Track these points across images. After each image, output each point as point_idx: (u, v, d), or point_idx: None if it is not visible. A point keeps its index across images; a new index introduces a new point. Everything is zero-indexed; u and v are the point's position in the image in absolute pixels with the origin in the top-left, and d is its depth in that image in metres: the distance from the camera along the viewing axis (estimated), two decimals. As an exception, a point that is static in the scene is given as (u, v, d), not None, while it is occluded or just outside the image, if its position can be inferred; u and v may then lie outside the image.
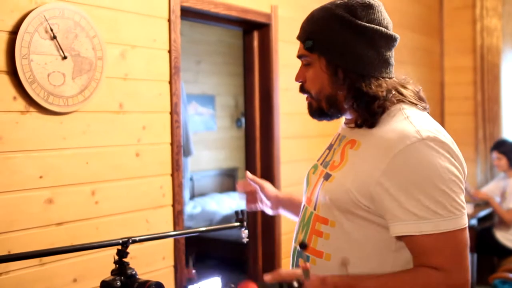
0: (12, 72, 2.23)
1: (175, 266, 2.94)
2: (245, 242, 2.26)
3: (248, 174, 1.99)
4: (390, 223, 1.36)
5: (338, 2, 1.49)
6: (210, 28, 7.29)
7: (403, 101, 1.47)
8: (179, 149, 2.95)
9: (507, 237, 5.11)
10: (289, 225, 3.74)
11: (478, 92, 5.95)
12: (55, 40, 2.34)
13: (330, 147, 1.64)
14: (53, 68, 2.35)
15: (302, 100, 4.02)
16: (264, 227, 3.75)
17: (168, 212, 2.90)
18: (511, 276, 3.96)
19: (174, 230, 2.91)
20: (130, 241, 1.99)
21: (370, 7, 1.47)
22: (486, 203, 5.53)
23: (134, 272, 1.93)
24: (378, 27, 1.46)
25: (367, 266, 1.42)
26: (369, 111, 1.44)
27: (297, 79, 1.57)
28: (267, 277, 1.37)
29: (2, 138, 2.21)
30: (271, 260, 3.69)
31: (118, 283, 1.90)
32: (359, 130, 1.49)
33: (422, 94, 1.54)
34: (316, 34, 1.48)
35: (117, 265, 1.94)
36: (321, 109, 1.53)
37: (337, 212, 1.44)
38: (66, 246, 2.20)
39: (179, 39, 2.94)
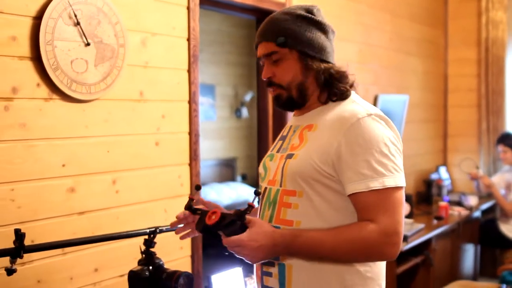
0: (36, 58, 2.19)
1: (192, 256, 2.92)
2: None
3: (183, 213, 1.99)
4: (345, 184, 1.60)
5: (294, 6, 1.78)
6: (209, 17, 7.24)
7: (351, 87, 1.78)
8: (197, 138, 2.92)
9: (510, 229, 5.13)
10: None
11: (482, 84, 5.95)
12: (78, 26, 2.31)
13: (283, 138, 1.85)
14: (76, 54, 2.31)
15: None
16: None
17: (186, 202, 2.87)
18: (519, 268, 3.98)
19: (192, 220, 2.88)
20: (158, 231, 1.98)
21: (319, 9, 1.79)
22: (489, 195, 5.56)
23: (161, 262, 1.92)
24: (328, 23, 1.78)
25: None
26: (341, 87, 1.73)
27: (265, 76, 1.76)
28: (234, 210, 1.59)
29: (25, 126, 2.17)
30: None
31: (147, 273, 1.88)
32: (312, 117, 1.75)
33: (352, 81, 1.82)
34: (286, 31, 1.71)
35: (144, 255, 1.91)
36: (290, 99, 1.75)
37: (303, 183, 1.65)
38: (91, 236, 2.19)
39: (198, 27, 2.90)
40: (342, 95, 1.74)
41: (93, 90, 2.38)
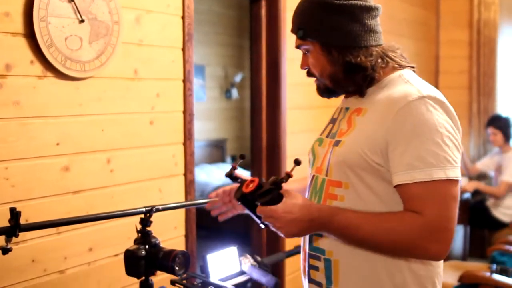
0: (30, 35, 2.15)
1: (186, 236, 2.91)
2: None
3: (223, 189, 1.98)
4: (393, 174, 1.47)
5: None
6: (200, -4, 7.18)
7: (398, 67, 1.63)
8: (191, 117, 2.90)
9: (501, 210, 5.17)
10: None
11: (474, 66, 5.96)
12: (72, 2, 2.26)
13: (333, 121, 1.75)
14: (71, 31, 2.27)
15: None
16: (268, 198, 3.72)
17: (180, 181, 2.86)
18: (509, 248, 4.01)
19: (186, 199, 2.88)
20: (154, 210, 1.96)
21: None
22: (478, 177, 5.59)
23: (158, 242, 1.90)
24: (355, 2, 1.58)
25: None
26: (356, 82, 1.60)
27: (302, 67, 1.71)
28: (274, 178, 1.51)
29: (19, 103, 2.14)
30: (275, 232, 3.67)
31: (143, 252, 1.86)
32: (362, 99, 1.63)
33: (405, 56, 1.70)
34: (304, 23, 1.62)
35: (141, 234, 1.90)
36: (327, 88, 1.67)
37: (350, 173, 1.54)
38: (87, 215, 2.17)
39: (192, 5, 2.87)
40: (359, 89, 1.61)
41: (87, 68, 2.34)
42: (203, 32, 7.57)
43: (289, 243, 3.63)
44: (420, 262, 1.55)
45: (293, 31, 1.68)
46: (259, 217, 1.52)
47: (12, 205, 1.71)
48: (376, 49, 1.61)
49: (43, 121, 2.22)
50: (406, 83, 1.55)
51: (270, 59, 3.63)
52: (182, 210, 2.87)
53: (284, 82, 3.63)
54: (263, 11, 3.60)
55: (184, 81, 2.85)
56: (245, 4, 7.73)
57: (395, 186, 1.48)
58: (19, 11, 2.12)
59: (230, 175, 1.74)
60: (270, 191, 1.48)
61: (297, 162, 1.51)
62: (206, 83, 7.91)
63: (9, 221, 1.64)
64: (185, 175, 2.88)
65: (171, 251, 1.85)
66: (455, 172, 1.43)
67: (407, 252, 1.48)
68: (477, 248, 5.60)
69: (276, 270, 3.57)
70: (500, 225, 5.14)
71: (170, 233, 2.81)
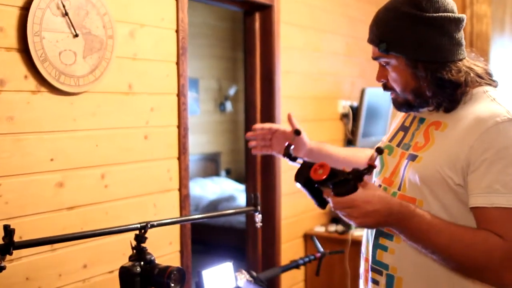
0: (24, 49, 2.14)
1: (181, 251, 2.88)
2: (258, 226, 2.23)
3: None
4: (469, 195, 1.41)
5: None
6: (194, 9, 7.18)
7: (483, 83, 1.54)
8: (185, 131, 2.88)
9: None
10: (289, 210, 3.72)
11: (467, 78, 5.97)
12: (66, 17, 2.25)
13: (405, 129, 1.67)
14: (65, 46, 2.26)
15: (302, 84, 4.02)
16: (263, 213, 3.71)
17: (175, 196, 2.84)
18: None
19: (181, 214, 2.86)
20: (149, 226, 1.94)
21: None
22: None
23: (153, 258, 1.88)
24: (445, 14, 1.49)
25: None
26: (452, 98, 1.50)
27: (378, 79, 1.62)
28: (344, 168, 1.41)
29: (13, 119, 2.12)
30: (271, 246, 3.65)
31: (138, 269, 1.84)
32: (441, 112, 1.54)
33: (489, 69, 1.59)
34: (388, 35, 1.52)
35: (135, 251, 1.88)
36: (408, 102, 1.58)
37: (427, 191, 1.47)
38: (82, 232, 2.14)
39: (186, 19, 2.86)
40: (451, 106, 1.52)
41: (81, 83, 2.33)
42: (197, 45, 7.57)
43: (285, 258, 3.61)
44: (482, 285, 1.47)
45: (373, 42, 1.58)
46: (321, 201, 1.45)
47: (6, 222, 1.69)
48: (463, 63, 1.53)
49: (37, 137, 2.20)
50: (492, 101, 1.48)
51: (264, 72, 3.63)
52: (177, 226, 2.85)
53: (278, 95, 3.62)
54: (257, 24, 3.60)
55: (178, 95, 2.84)
56: (238, 17, 7.74)
57: (471, 208, 1.42)
58: (13, 25, 2.11)
59: (289, 155, 1.61)
60: (347, 181, 1.36)
61: (380, 151, 1.41)
62: (200, 96, 7.91)
63: (3, 238, 1.62)
64: (179, 190, 2.86)
65: (166, 267, 1.83)
66: None
67: (480, 273, 1.42)
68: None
69: (272, 286, 3.54)
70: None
71: (165, 248, 2.79)
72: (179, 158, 2.86)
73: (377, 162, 1.65)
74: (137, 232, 1.89)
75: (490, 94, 1.51)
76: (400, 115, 1.77)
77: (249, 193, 3.72)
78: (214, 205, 6.80)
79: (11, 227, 1.62)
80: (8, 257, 1.64)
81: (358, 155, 1.97)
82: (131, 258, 1.86)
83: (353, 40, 4.51)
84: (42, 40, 2.16)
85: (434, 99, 1.53)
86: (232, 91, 8.23)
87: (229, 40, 8.37)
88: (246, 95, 3.77)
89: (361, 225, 1.41)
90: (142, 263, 1.84)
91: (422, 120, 1.61)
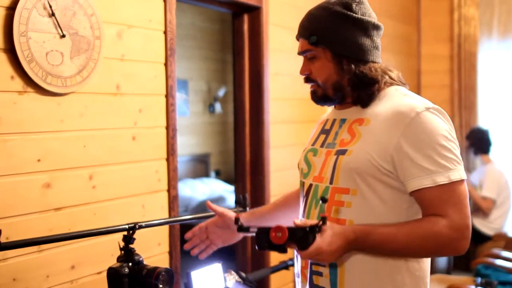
0: (10, 50, 2.13)
1: (170, 252, 2.88)
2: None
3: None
4: (408, 180, 1.56)
5: (333, 0, 1.71)
6: (183, 11, 7.18)
7: (394, 83, 1.72)
8: (174, 133, 2.88)
9: (484, 224, 5.19)
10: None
11: (455, 80, 6.00)
12: (53, 17, 2.25)
13: (325, 131, 1.80)
14: (52, 46, 2.25)
15: (291, 85, 4.02)
16: (252, 213, 3.70)
17: (164, 197, 2.84)
18: (493, 261, 4.02)
19: (170, 215, 2.85)
20: (137, 227, 1.94)
21: (361, 2, 1.71)
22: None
23: (141, 259, 1.88)
24: (370, 18, 1.70)
25: None
26: (369, 93, 1.67)
27: (302, 73, 1.76)
28: (297, 221, 1.52)
29: (-1, 119, 2.11)
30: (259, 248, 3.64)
31: (126, 270, 1.84)
32: (360, 110, 1.70)
33: (400, 75, 1.78)
34: (319, 30, 1.68)
35: (123, 252, 1.87)
36: (326, 96, 1.73)
37: (360, 180, 1.61)
38: (70, 233, 2.13)
39: (174, 20, 2.86)
40: (368, 100, 1.68)
41: (68, 83, 2.32)
42: (186, 46, 7.57)
43: (274, 259, 3.61)
44: (417, 263, 1.66)
45: (303, 36, 1.72)
46: (283, 250, 1.53)
47: (-8, 223, 1.68)
48: (379, 65, 1.71)
49: (24, 137, 2.19)
50: (405, 96, 1.66)
51: (253, 73, 3.63)
52: (166, 227, 2.85)
53: (267, 97, 3.63)
54: (246, 26, 3.60)
55: (166, 96, 2.84)
56: (227, 18, 7.74)
57: (414, 192, 1.56)
58: (-1, 26, 2.10)
59: (241, 228, 1.68)
60: (306, 236, 1.48)
61: (324, 200, 1.54)
62: (190, 97, 7.90)
63: (-11, 239, 1.61)
64: (168, 191, 2.86)
65: (155, 268, 1.83)
66: (464, 172, 1.57)
67: (439, 253, 1.64)
68: (461, 261, 5.61)
69: (261, 286, 3.54)
70: (484, 238, 5.16)
71: (154, 249, 2.78)
72: (167, 159, 2.85)
73: (304, 165, 1.80)
74: (125, 233, 1.89)
75: (402, 91, 1.69)
76: (317, 125, 1.91)
77: (238, 194, 3.72)
78: (203, 206, 6.75)
79: (-2, 228, 1.62)
80: (-6, 258, 1.64)
81: (288, 202, 2.07)
82: (119, 259, 1.86)
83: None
84: (28, 41, 2.16)
85: (352, 93, 1.70)
86: (221, 93, 8.23)
87: (218, 42, 8.37)
88: (235, 97, 3.77)
89: (327, 262, 1.56)
90: (130, 264, 1.84)
91: (343, 120, 1.75)
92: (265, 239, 1.54)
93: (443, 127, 1.58)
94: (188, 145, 7.67)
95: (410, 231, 1.55)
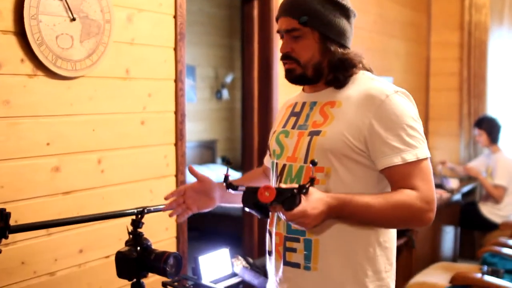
0: (20, 33, 2.12)
1: (178, 237, 2.88)
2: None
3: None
4: (379, 158, 1.67)
5: None
6: (191, -3, 7.14)
7: (363, 69, 1.83)
8: (183, 118, 2.87)
9: (493, 211, 5.18)
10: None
11: (464, 68, 5.97)
12: (64, 0, 2.23)
13: (296, 114, 1.87)
14: (62, 30, 2.24)
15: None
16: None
17: (172, 182, 2.84)
18: (500, 249, 4.02)
19: (177, 201, 2.85)
20: (146, 211, 1.93)
21: None
22: (469, 178, 5.60)
23: (149, 243, 1.88)
24: (351, 7, 1.81)
25: None
26: (346, 75, 1.77)
27: (284, 50, 1.79)
28: (283, 185, 1.58)
29: (9, 103, 2.10)
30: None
31: (135, 254, 1.83)
32: (330, 93, 1.78)
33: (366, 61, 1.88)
34: (310, 11, 1.73)
35: (132, 236, 1.87)
36: (304, 75, 1.78)
37: (334, 159, 1.70)
38: (78, 216, 2.14)
39: (184, 4, 2.84)
40: (344, 82, 1.77)
41: (78, 67, 2.31)
42: (194, 32, 7.54)
43: (281, 245, 3.61)
44: (386, 236, 1.77)
45: (292, 15, 1.76)
46: (266, 214, 1.59)
47: (2, 206, 1.68)
48: (353, 51, 1.82)
49: (33, 121, 2.19)
50: (373, 80, 1.77)
51: (263, 59, 3.61)
52: (174, 211, 2.84)
53: (276, 83, 3.61)
54: (256, 12, 3.59)
55: (176, 81, 2.83)
56: (235, 4, 7.71)
57: (384, 169, 1.67)
58: (10, 8, 2.09)
59: (231, 186, 1.71)
60: (294, 197, 1.51)
61: (314, 163, 1.56)
62: (197, 84, 7.88)
63: (-2, 222, 1.62)
64: (176, 176, 2.86)
65: (163, 253, 1.83)
66: (428, 150, 1.70)
67: (410, 222, 1.75)
68: (467, 249, 5.62)
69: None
70: (490, 226, 5.16)
71: (161, 234, 2.78)
72: (176, 144, 2.85)
73: (276, 146, 1.87)
74: (134, 217, 1.88)
75: (369, 75, 1.80)
76: (284, 108, 1.98)
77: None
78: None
79: (7, 211, 1.62)
80: (3, 241, 1.64)
81: (256, 177, 2.17)
82: (127, 243, 1.86)
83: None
84: (39, 24, 2.15)
85: (329, 75, 1.78)
86: (228, 79, 8.21)
87: (226, 28, 8.34)
88: (244, 83, 3.76)
89: (309, 227, 1.59)
90: (138, 248, 1.84)
91: (314, 103, 1.82)
92: (252, 198, 1.56)
93: (410, 109, 1.70)
94: (195, 131, 7.67)
95: (385, 200, 1.63)
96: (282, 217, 1.54)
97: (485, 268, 3.52)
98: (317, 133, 1.74)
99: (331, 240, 1.72)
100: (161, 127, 2.77)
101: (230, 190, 1.71)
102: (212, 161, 8.17)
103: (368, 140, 1.67)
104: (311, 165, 1.57)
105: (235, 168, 7.97)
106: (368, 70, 1.84)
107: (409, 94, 1.76)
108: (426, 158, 1.69)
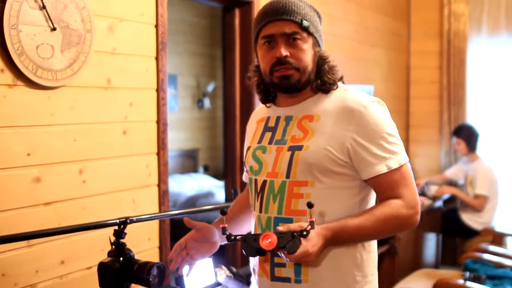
0: (0, 42, 2.10)
1: (160, 247, 2.87)
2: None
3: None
4: (364, 168, 1.70)
5: None
6: (172, 5, 7.11)
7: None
8: (165, 127, 2.87)
9: (473, 218, 5.22)
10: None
11: (444, 76, 6.02)
12: (44, 10, 2.22)
13: (271, 129, 1.84)
14: (42, 39, 2.23)
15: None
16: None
17: (154, 192, 2.83)
18: (481, 255, 4.05)
19: (160, 210, 2.84)
20: (128, 221, 1.92)
21: None
22: (450, 183, 5.63)
23: (132, 254, 1.87)
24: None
25: (341, 212, 1.72)
26: (332, 80, 1.78)
27: (282, 54, 1.72)
28: (280, 228, 1.58)
29: (-11, 113, 2.08)
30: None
31: (117, 265, 1.82)
32: (305, 108, 1.78)
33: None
34: (309, 17, 1.76)
35: (114, 246, 1.86)
36: (298, 82, 1.75)
37: (317, 172, 1.70)
38: (60, 228, 2.12)
39: (166, 14, 2.84)
40: (331, 86, 1.79)
41: (59, 77, 2.30)
42: (175, 41, 7.52)
43: (264, 254, 3.61)
44: (370, 241, 1.81)
45: (293, 18, 1.73)
46: (263, 254, 1.61)
47: (-18, 218, 1.66)
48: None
49: (14, 131, 2.17)
50: (347, 91, 1.79)
51: (244, 68, 3.62)
52: (156, 221, 2.83)
53: (258, 92, 3.61)
54: (237, 20, 3.59)
55: (157, 90, 2.82)
56: (217, 14, 7.71)
57: (370, 178, 1.71)
58: (-11, 18, 2.07)
59: (229, 238, 1.67)
60: (294, 241, 1.54)
61: (310, 205, 1.57)
62: (178, 92, 7.86)
63: (-21, 234, 1.60)
64: (158, 185, 2.85)
65: (146, 263, 1.82)
66: (406, 155, 1.76)
67: (400, 230, 1.80)
68: (449, 256, 5.65)
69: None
70: (472, 232, 5.19)
71: (144, 244, 2.77)
72: (158, 154, 2.84)
73: (253, 162, 1.83)
74: (116, 227, 1.87)
75: (342, 87, 1.82)
76: (253, 125, 1.94)
77: (228, 188, 3.71)
78: (192, 201, 6.77)
79: (-13, 222, 1.60)
80: (-17, 252, 1.62)
81: (246, 200, 2.04)
82: (110, 253, 1.84)
83: (332, 38, 4.52)
84: (19, 33, 2.13)
85: (316, 81, 1.78)
86: (210, 88, 8.20)
87: (207, 37, 8.34)
88: (226, 92, 3.76)
89: (310, 260, 1.60)
90: (121, 258, 1.83)
91: (290, 117, 1.81)
92: (253, 245, 1.58)
93: (387, 117, 1.75)
94: (176, 140, 7.63)
95: (376, 218, 1.68)
96: (285, 259, 1.57)
97: (467, 274, 3.55)
98: (299, 148, 1.73)
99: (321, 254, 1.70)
100: (143, 136, 2.76)
101: (229, 241, 1.67)
102: (194, 170, 8.14)
103: (351, 152, 1.70)
104: (308, 208, 1.57)
105: (217, 177, 7.96)
106: (340, 79, 1.84)
107: (382, 102, 1.79)
108: (406, 163, 1.74)
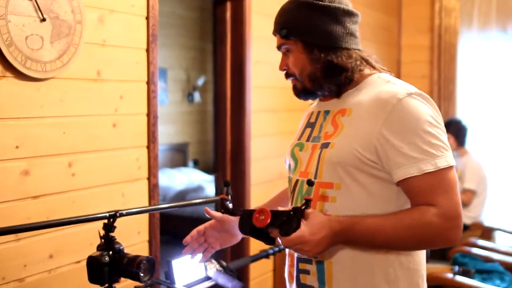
0: (-12, 33, 2.07)
1: (150, 241, 2.85)
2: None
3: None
4: (393, 169, 1.51)
5: None
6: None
7: (375, 71, 1.69)
8: (155, 120, 2.84)
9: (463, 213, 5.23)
10: (260, 200, 3.69)
11: (435, 71, 6.03)
12: (33, 0, 2.19)
13: (311, 125, 1.76)
14: (31, 30, 2.19)
15: (272, 74, 4.01)
16: (233, 202, 3.67)
17: (144, 186, 2.80)
18: (470, 250, 4.06)
19: (150, 204, 2.82)
20: (118, 215, 1.90)
21: None
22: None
23: (122, 247, 1.85)
24: (338, 5, 1.65)
25: None
26: (337, 82, 1.64)
27: (281, 68, 1.73)
28: (279, 208, 1.48)
29: (-23, 104, 2.05)
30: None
31: (107, 259, 1.81)
32: (342, 101, 1.67)
33: (382, 64, 1.76)
34: (289, 22, 1.66)
35: (104, 240, 1.84)
36: (305, 89, 1.69)
37: (344, 173, 1.56)
38: (47, 221, 2.09)
39: (157, 6, 2.82)
40: (338, 90, 1.66)
41: (48, 68, 2.27)
42: (166, 34, 7.49)
43: (254, 248, 3.60)
44: (409, 255, 1.60)
45: (275, 31, 1.71)
46: (269, 240, 1.49)
47: (-31, 211, 1.64)
48: (356, 52, 1.67)
49: (2, 123, 2.14)
50: (388, 83, 1.61)
51: (235, 61, 3.60)
52: (146, 215, 2.81)
53: (249, 85, 3.60)
54: (228, 14, 3.57)
55: (148, 83, 2.80)
56: (207, 7, 7.68)
57: (400, 181, 1.52)
58: (-23, 8, 2.04)
59: (227, 210, 1.66)
60: (290, 220, 1.42)
61: (311, 183, 1.50)
62: (168, 86, 7.84)
63: (-34, 227, 1.57)
64: (148, 179, 2.82)
65: (136, 257, 1.80)
66: (452, 158, 1.52)
67: (432, 243, 1.56)
68: (438, 250, 5.65)
69: (241, 275, 3.53)
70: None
71: (133, 238, 2.75)
72: (148, 147, 2.82)
73: (291, 160, 1.76)
74: (106, 221, 1.85)
75: (385, 77, 1.65)
76: (303, 118, 1.86)
77: (219, 182, 3.70)
78: (181, 195, 6.76)
79: (-25, 215, 1.58)
80: (-29, 246, 1.60)
81: (282, 197, 2.00)
82: (99, 247, 1.83)
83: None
84: (7, 24, 2.10)
85: (325, 83, 1.66)
86: (200, 82, 8.18)
87: (197, 30, 8.31)
88: (216, 85, 3.74)
89: (312, 255, 1.48)
90: (110, 252, 1.81)
91: (327, 112, 1.70)
92: (247, 222, 1.50)
93: (427, 113, 1.52)
94: (166, 134, 7.62)
95: (399, 221, 1.49)
96: (280, 242, 1.45)
97: (456, 268, 3.56)
98: (327, 145, 1.61)
99: (345, 261, 1.59)
100: (133, 129, 2.73)
101: (226, 214, 1.66)
102: (184, 164, 8.12)
103: (380, 150, 1.52)
104: (308, 185, 1.50)
105: (207, 171, 7.94)
106: (383, 71, 1.70)
107: (426, 96, 1.58)
108: (449, 168, 1.50)
